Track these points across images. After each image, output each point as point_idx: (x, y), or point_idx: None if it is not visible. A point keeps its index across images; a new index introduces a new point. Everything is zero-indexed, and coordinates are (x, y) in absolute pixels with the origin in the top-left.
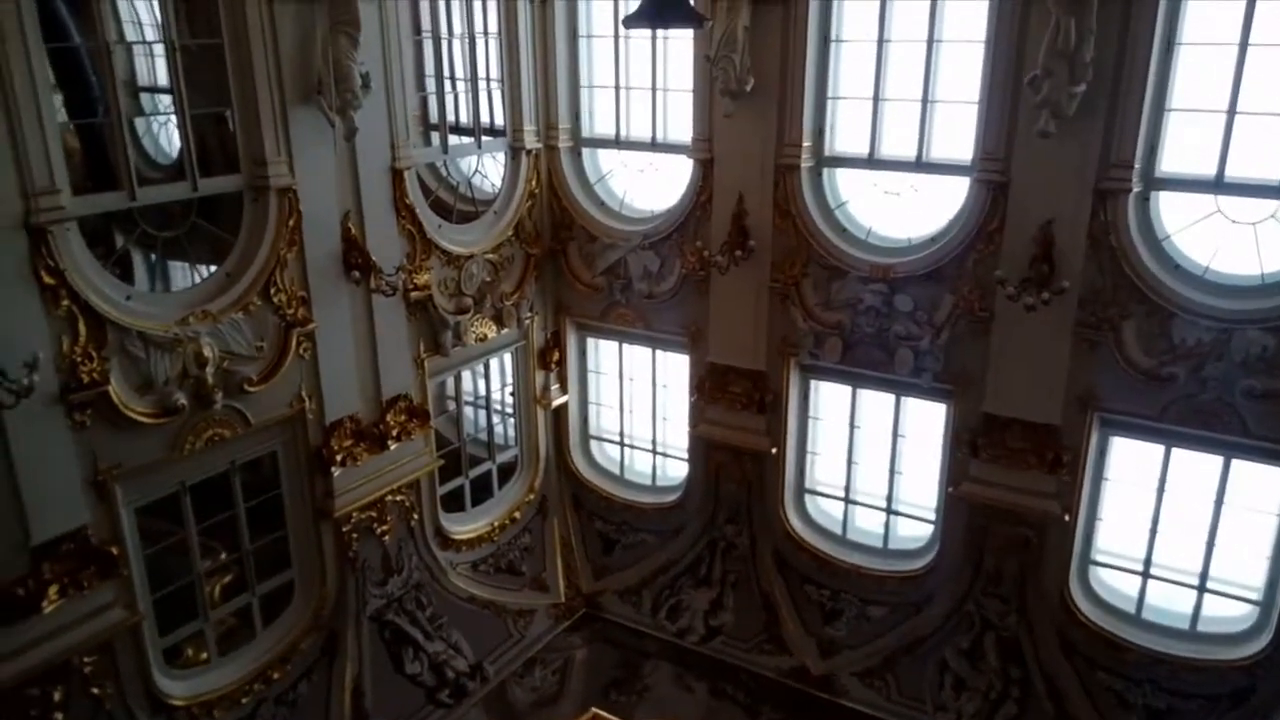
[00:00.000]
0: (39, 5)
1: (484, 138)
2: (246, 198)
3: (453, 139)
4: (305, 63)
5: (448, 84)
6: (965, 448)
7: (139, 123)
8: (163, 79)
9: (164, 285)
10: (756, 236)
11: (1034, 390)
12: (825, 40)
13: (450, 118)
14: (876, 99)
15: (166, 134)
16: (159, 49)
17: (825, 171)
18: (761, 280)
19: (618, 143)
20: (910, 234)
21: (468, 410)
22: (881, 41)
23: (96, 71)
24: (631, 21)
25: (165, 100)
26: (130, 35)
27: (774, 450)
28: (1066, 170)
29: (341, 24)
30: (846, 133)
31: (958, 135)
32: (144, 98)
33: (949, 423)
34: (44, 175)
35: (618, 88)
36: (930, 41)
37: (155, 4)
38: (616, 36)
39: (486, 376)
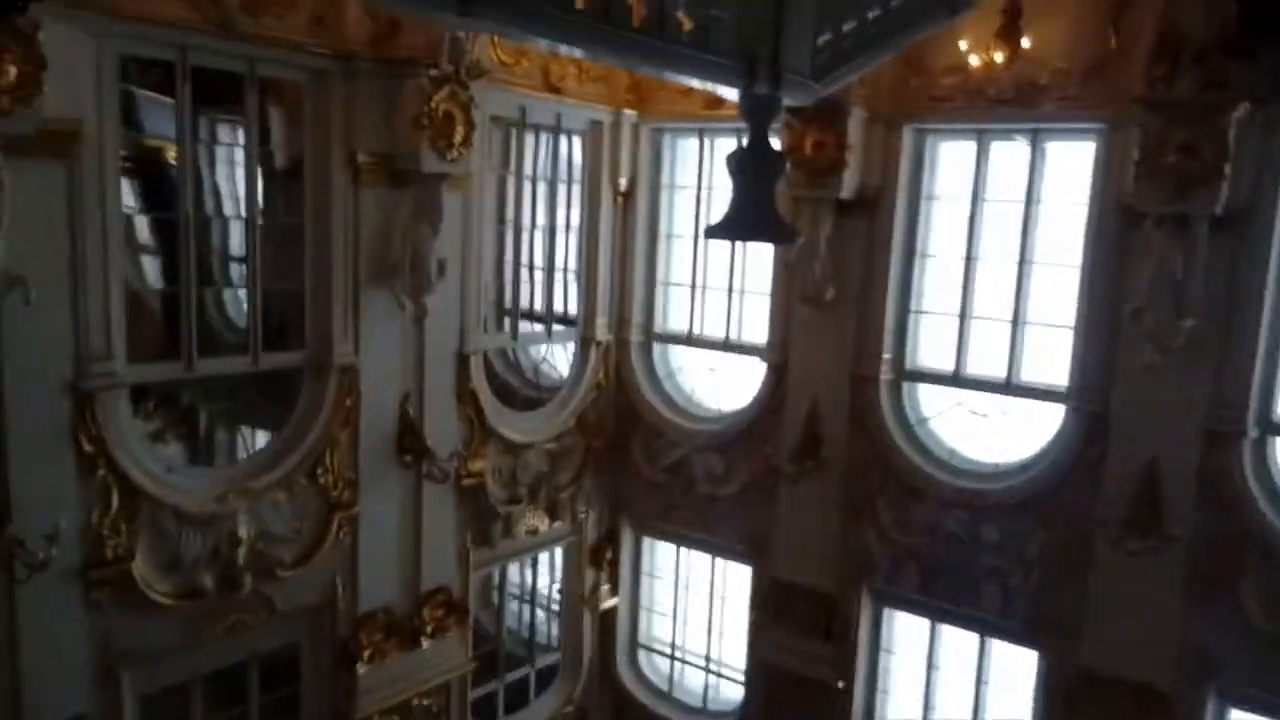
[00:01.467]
0: (121, 170)
1: (555, 327)
2: (307, 374)
3: (523, 325)
4: (383, 246)
5: (524, 272)
6: (1061, 707)
7: (207, 292)
8: (235, 249)
9: (207, 457)
10: (830, 447)
11: (1141, 647)
12: (910, 254)
13: (523, 304)
14: (963, 316)
15: (236, 302)
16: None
17: (906, 386)
18: (833, 494)
19: (690, 340)
20: (999, 459)
21: (510, 605)
22: (970, 259)
23: (170, 240)
24: (715, 232)
25: (236, 270)
26: (209, 205)
27: (841, 684)
28: (1173, 407)
29: (425, 212)
30: (930, 347)
31: (1052, 358)
32: (214, 266)
33: (1041, 675)
34: (101, 340)
35: (694, 286)
36: (1022, 262)
37: (240, 179)
38: (697, 236)
39: (534, 571)
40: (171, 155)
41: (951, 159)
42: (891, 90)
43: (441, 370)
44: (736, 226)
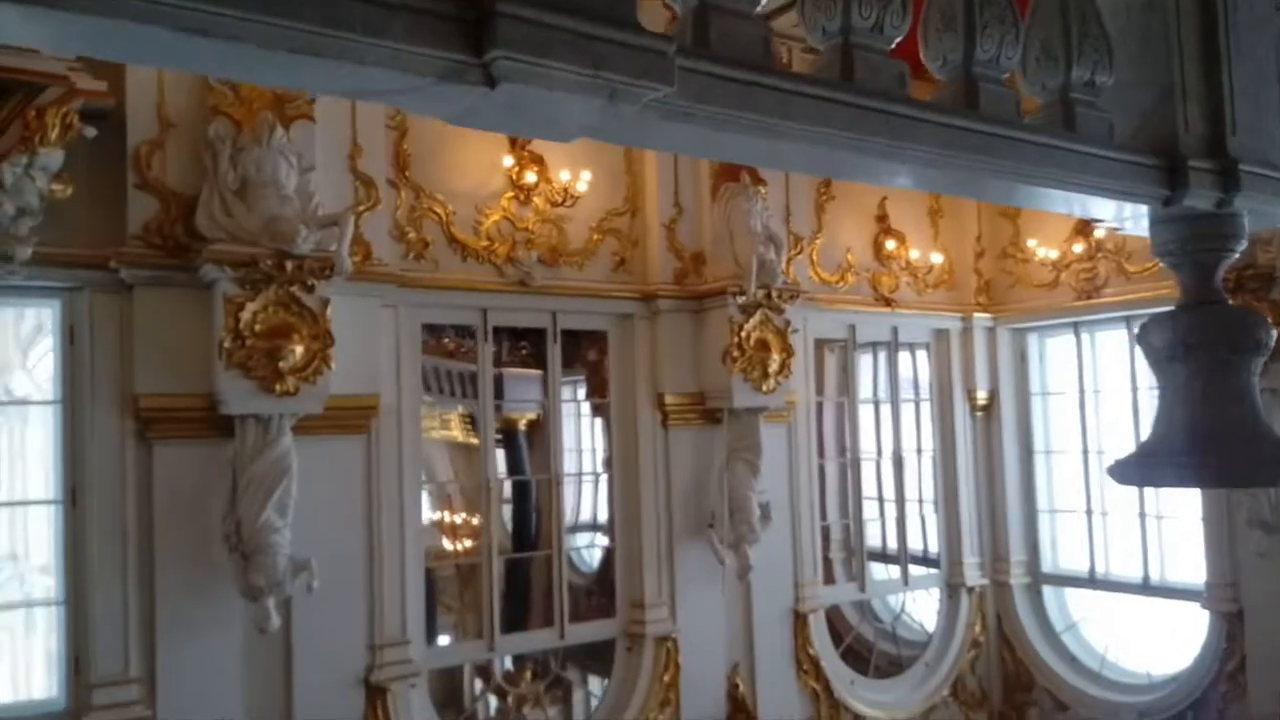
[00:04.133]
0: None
1: (913, 571)
2: (619, 646)
3: (873, 571)
4: (698, 493)
5: (869, 507)
6: None
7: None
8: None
9: None
10: None
11: None
12: None
13: (871, 545)
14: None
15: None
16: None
17: None
18: None
19: (1092, 582)
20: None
21: None
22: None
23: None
24: (1128, 474)
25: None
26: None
27: None
28: None
29: (741, 450)
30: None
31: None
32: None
33: None
34: (395, 624)
35: (1089, 512)
36: None
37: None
38: (1086, 451)
39: None
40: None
41: None
42: None
43: (774, 634)
44: (1166, 463)
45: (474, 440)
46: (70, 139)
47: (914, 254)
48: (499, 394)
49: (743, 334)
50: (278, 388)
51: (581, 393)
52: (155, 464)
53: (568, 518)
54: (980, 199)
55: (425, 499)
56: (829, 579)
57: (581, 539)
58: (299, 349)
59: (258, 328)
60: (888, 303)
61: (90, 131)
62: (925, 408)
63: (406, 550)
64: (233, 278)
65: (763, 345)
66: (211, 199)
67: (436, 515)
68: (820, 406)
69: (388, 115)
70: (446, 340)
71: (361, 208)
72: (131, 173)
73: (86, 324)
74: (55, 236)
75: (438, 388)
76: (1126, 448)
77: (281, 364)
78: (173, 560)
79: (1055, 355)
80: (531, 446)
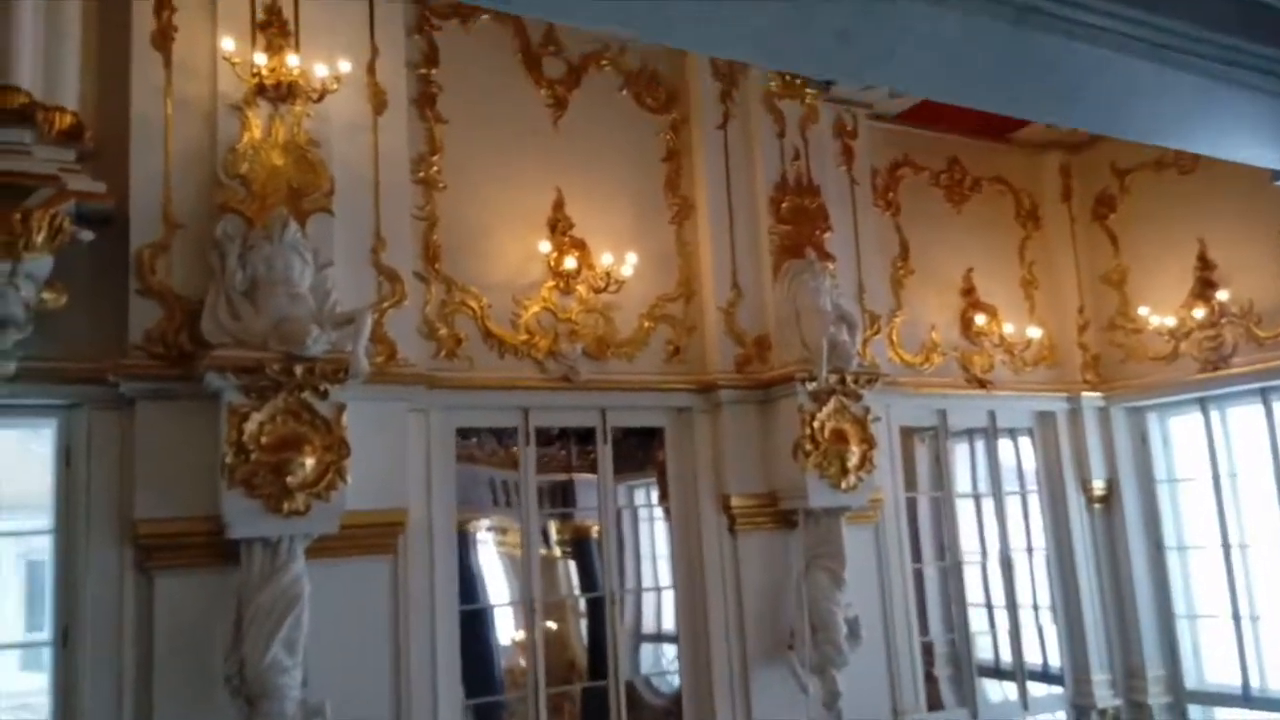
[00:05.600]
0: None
1: (1033, 690)
2: None
3: (986, 690)
4: (773, 608)
5: (976, 616)
6: None
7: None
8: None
9: None
10: None
11: None
12: None
13: (982, 660)
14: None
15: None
16: None
17: None
18: None
19: (1246, 700)
20: None
21: None
22: None
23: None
24: None
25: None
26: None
27: None
28: None
29: (821, 558)
30: None
31: None
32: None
33: None
34: None
35: (1237, 617)
36: None
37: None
38: (1226, 545)
39: None
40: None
41: None
42: None
43: None
44: None
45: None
46: (61, 243)
47: (1008, 329)
48: (565, 500)
49: (816, 424)
50: (285, 506)
51: (655, 495)
52: (156, 597)
53: (645, 631)
54: None
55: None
56: (935, 703)
57: (654, 656)
58: (309, 461)
59: (264, 440)
60: (982, 384)
61: (86, 235)
62: (1034, 500)
63: (440, 688)
64: (237, 386)
65: (839, 436)
66: (218, 302)
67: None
68: (912, 504)
69: (415, 205)
70: (491, 445)
71: (385, 304)
72: (134, 278)
73: (84, 444)
74: (48, 349)
75: (489, 498)
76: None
77: (290, 479)
78: (172, 704)
79: (1181, 436)
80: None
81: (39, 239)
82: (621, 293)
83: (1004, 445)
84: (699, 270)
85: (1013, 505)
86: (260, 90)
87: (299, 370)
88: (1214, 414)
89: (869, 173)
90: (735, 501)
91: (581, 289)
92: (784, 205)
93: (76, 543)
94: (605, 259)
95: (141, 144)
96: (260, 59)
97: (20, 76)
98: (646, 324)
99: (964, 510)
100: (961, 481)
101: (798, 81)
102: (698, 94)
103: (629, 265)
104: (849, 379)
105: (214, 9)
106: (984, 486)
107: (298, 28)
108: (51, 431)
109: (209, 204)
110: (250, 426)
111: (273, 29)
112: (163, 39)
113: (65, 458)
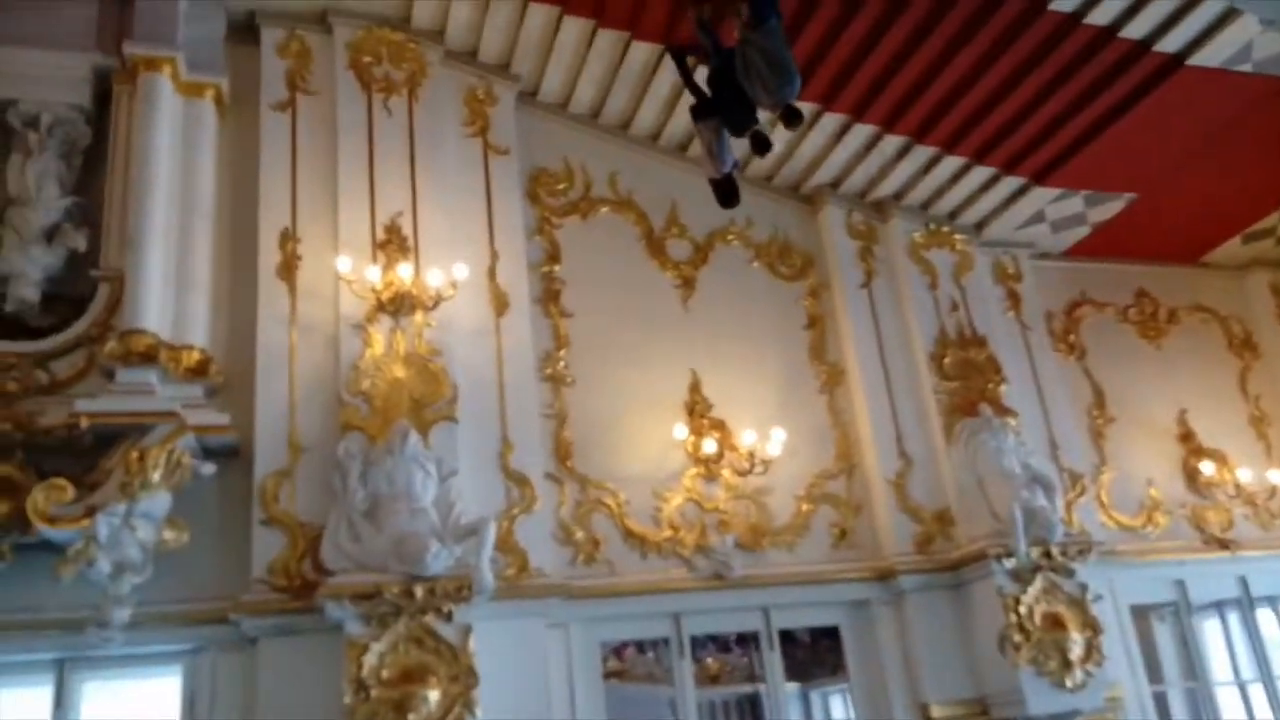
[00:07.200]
0: None
1: None
2: None
3: None
4: None
5: None
6: None
7: None
8: None
9: None
10: None
11: None
12: None
13: None
14: None
15: None
16: None
17: None
18: None
19: None
20: None
21: None
22: None
23: None
24: None
25: None
26: None
27: None
28: None
29: None
30: None
31: None
32: None
33: None
34: None
35: None
36: None
37: None
38: None
39: None
40: None
41: None
42: None
43: None
44: None
45: None
46: (180, 479)
47: (1243, 475)
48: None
49: (1023, 610)
50: None
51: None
52: None
53: None
54: None
55: None
56: None
57: None
58: (434, 695)
59: (384, 673)
60: (1224, 545)
61: (208, 468)
62: None
63: None
64: (356, 614)
65: (1054, 622)
66: (339, 526)
67: None
68: (1161, 699)
69: (543, 404)
70: (643, 659)
71: (515, 510)
72: (258, 508)
73: (207, 691)
74: (170, 591)
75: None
76: None
77: (412, 717)
78: None
79: None
80: None
81: (155, 476)
82: (771, 473)
83: (1264, 616)
84: (858, 441)
85: None
86: (380, 305)
87: (419, 591)
88: None
89: (1042, 316)
90: (937, 712)
91: (726, 473)
92: (946, 360)
93: None
94: (747, 437)
95: (267, 372)
96: (374, 274)
97: (147, 319)
98: (805, 506)
99: (1228, 702)
100: (1219, 667)
101: (944, 229)
102: (835, 255)
103: (776, 443)
104: (1055, 551)
105: (335, 235)
106: (1248, 671)
107: (416, 242)
108: (178, 679)
109: (332, 425)
110: (370, 659)
111: (392, 245)
112: (287, 270)
113: (190, 706)
